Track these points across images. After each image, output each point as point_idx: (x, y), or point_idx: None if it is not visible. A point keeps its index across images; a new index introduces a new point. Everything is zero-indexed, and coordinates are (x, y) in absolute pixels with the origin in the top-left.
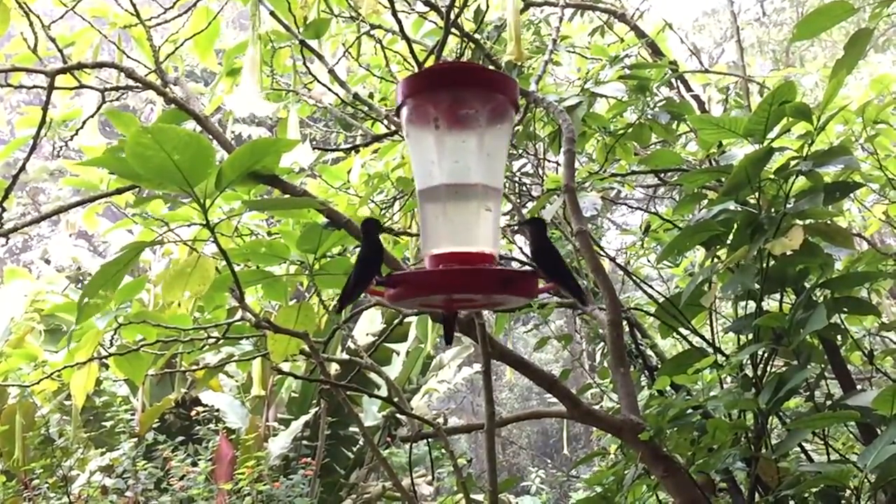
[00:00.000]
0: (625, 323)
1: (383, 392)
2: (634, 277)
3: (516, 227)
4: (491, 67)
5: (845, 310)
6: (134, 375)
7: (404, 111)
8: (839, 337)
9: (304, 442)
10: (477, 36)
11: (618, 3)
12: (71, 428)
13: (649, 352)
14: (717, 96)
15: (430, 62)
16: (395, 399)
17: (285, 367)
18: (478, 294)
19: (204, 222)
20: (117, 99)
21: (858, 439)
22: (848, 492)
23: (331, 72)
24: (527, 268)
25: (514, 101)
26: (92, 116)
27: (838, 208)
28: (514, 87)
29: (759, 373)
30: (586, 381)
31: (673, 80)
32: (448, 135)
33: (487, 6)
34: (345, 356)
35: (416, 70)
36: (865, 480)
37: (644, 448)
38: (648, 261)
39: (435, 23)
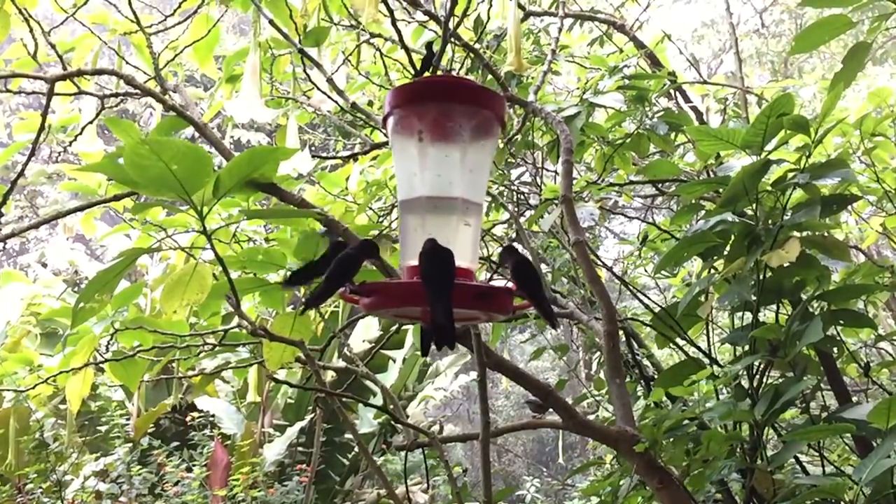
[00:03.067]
0: (621, 333)
1: (379, 399)
2: (631, 287)
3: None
4: (479, 82)
5: (841, 322)
6: (129, 381)
7: (390, 121)
8: (835, 349)
9: (300, 448)
10: (476, 46)
11: (617, 14)
12: (65, 432)
13: (646, 362)
14: (716, 107)
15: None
16: (390, 407)
17: (281, 374)
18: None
19: (201, 229)
20: (117, 105)
21: (854, 452)
22: None
23: (329, 81)
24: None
25: (501, 117)
26: (91, 122)
27: (835, 220)
28: (500, 103)
29: (755, 384)
30: (582, 390)
31: (671, 91)
32: (431, 147)
33: (488, 16)
34: (341, 364)
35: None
36: (861, 494)
37: (639, 459)
38: (645, 271)
39: (434, 32)
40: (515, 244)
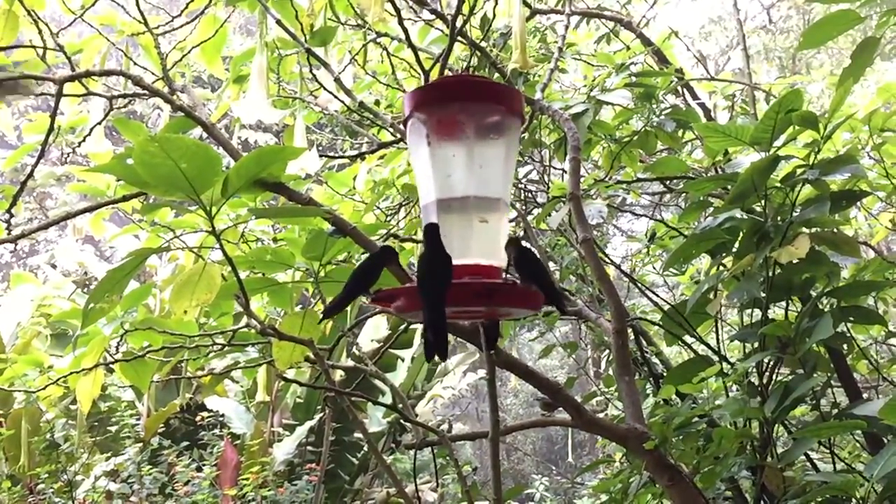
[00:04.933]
0: (630, 331)
1: (388, 398)
2: (640, 285)
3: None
4: (496, 80)
5: (852, 318)
6: (139, 382)
7: (409, 124)
8: (845, 345)
9: (309, 448)
10: (483, 44)
11: (624, 11)
12: (76, 433)
13: (655, 360)
14: (724, 104)
15: (436, 70)
16: (400, 406)
17: (290, 373)
18: (457, 307)
19: (210, 229)
20: (125, 105)
21: (865, 448)
22: (854, 501)
23: (336, 80)
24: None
25: (520, 113)
26: (99, 123)
27: (845, 217)
28: (518, 99)
29: (764, 381)
30: (591, 388)
31: (679, 88)
32: (439, 148)
33: (494, 14)
34: (350, 363)
35: (422, 78)
36: (872, 490)
37: (649, 457)
38: (654, 268)
39: (441, 31)
40: (516, 237)
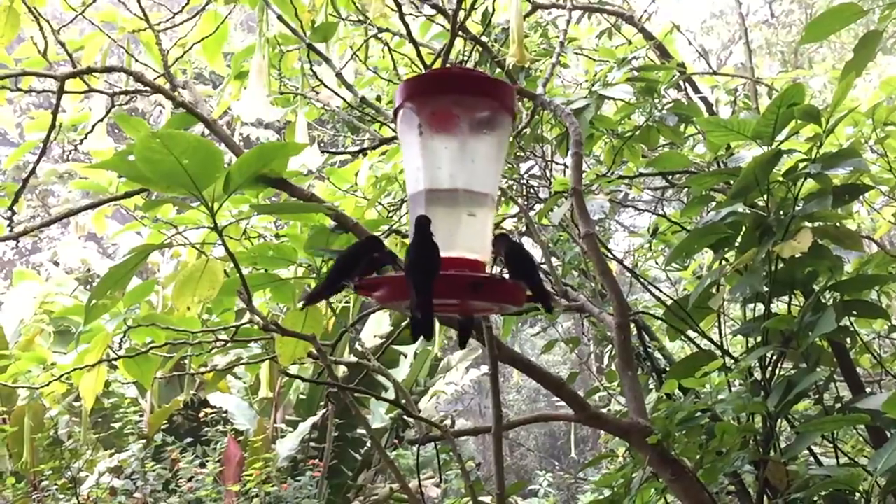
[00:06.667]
0: (632, 325)
1: (391, 394)
2: (642, 280)
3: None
4: (486, 73)
5: (854, 312)
6: (142, 378)
7: (400, 113)
8: (848, 339)
9: (312, 444)
10: (484, 39)
11: (626, 6)
12: (80, 429)
13: (657, 354)
14: (726, 98)
15: (437, 65)
16: (403, 402)
17: (293, 369)
18: (444, 299)
19: (212, 225)
20: (126, 102)
21: (868, 442)
22: (857, 495)
23: (338, 75)
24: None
25: (511, 109)
26: (101, 120)
27: (847, 211)
28: (510, 95)
29: (767, 376)
30: (594, 383)
31: (681, 82)
32: (430, 140)
33: (494, 9)
34: (352, 359)
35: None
36: (875, 484)
37: (652, 451)
38: (656, 263)
39: (442, 26)
40: (505, 233)
